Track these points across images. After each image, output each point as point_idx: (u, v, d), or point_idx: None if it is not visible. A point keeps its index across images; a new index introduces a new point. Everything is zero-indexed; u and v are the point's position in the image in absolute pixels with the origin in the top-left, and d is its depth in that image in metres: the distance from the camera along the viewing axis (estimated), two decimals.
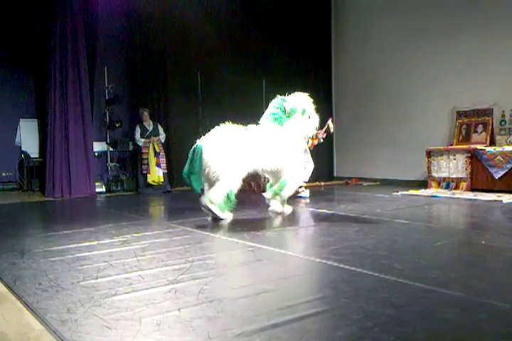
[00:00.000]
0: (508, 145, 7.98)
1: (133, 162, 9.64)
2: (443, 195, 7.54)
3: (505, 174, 7.52)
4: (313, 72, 11.08)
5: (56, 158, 8.44)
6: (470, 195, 7.38)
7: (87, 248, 4.12)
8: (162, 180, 9.05)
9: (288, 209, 5.90)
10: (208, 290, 2.85)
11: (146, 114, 9.23)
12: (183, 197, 8.67)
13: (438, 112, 9.30)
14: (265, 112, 5.84)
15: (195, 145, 5.32)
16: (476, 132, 8.67)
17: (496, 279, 3.07)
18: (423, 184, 8.79)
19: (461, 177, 8.13)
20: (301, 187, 7.51)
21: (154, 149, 9.06)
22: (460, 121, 8.96)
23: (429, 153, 8.65)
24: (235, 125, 5.54)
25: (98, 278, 3.18)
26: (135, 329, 2.28)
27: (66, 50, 8.43)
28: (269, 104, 5.87)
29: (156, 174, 8.98)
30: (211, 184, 5.33)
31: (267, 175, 5.94)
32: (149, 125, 9.25)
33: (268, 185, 6.03)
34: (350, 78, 11.05)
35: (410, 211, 6.11)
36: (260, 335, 2.17)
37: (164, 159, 9.24)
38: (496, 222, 5.66)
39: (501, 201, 6.70)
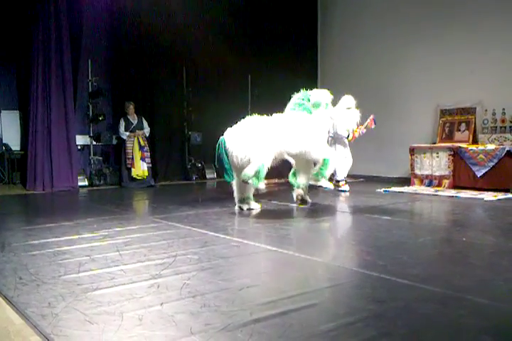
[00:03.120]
0: (490, 143, 8.07)
1: (116, 155, 9.55)
2: (425, 192, 7.61)
3: (487, 172, 7.61)
4: (299, 68, 11.07)
5: (38, 151, 8.32)
6: (452, 193, 7.46)
7: (68, 242, 4.08)
8: (147, 174, 9.00)
9: (329, 184, 6.14)
10: (190, 285, 2.84)
11: (131, 108, 9.15)
12: (166, 192, 8.63)
13: (422, 110, 9.36)
14: (289, 104, 6.06)
15: (219, 140, 5.51)
16: (459, 130, 8.75)
17: (476, 275, 3.11)
18: (406, 181, 8.85)
19: (444, 175, 8.20)
20: (339, 181, 7.98)
21: (139, 143, 8.99)
22: (443, 119, 9.04)
23: (413, 151, 8.71)
24: (260, 116, 5.77)
25: (79, 272, 3.15)
26: (117, 324, 2.26)
27: (49, 42, 8.29)
28: (293, 97, 6.10)
29: (141, 168, 8.92)
30: (239, 172, 5.54)
31: (291, 160, 6.11)
32: (134, 119, 9.17)
33: (290, 173, 6.27)
34: (336, 76, 11.07)
35: (393, 208, 6.15)
36: (243, 330, 2.17)
37: (148, 153, 9.18)
38: (477, 219, 5.73)
39: (483, 199, 6.79)
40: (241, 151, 5.41)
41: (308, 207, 6.18)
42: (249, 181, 5.38)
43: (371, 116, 7.82)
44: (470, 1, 8.68)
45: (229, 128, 5.66)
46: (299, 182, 6.19)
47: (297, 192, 6.30)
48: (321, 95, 6.05)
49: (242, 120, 5.73)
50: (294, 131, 5.63)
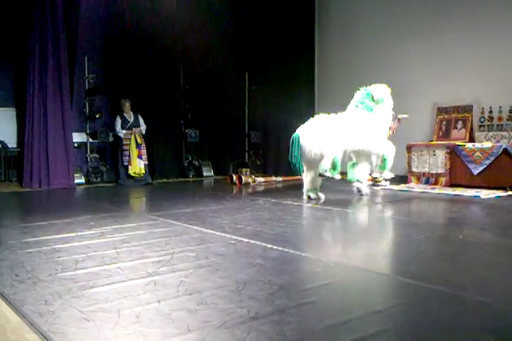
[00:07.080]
0: (486, 141, 8.08)
1: (113, 153, 9.53)
2: (422, 190, 7.61)
3: (483, 170, 7.62)
4: (296, 66, 11.06)
5: (34, 149, 8.30)
6: (449, 191, 7.47)
7: (65, 239, 4.07)
8: (143, 171, 8.99)
9: (389, 174, 6.84)
10: (187, 283, 2.83)
11: (127, 105, 9.14)
12: (163, 189, 8.62)
13: (419, 108, 9.34)
14: (352, 102, 6.76)
15: (293, 135, 6.09)
16: (456, 128, 8.76)
17: (474, 273, 3.11)
18: (403, 179, 8.86)
19: (441, 173, 8.22)
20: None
21: (136, 140, 8.97)
22: (440, 117, 9.05)
23: (410, 148, 8.72)
24: (329, 114, 6.43)
25: (76, 269, 3.14)
26: (114, 322, 2.25)
27: (46, 39, 8.26)
28: (355, 95, 6.81)
29: (138, 166, 8.91)
30: (310, 165, 6.24)
31: (352, 155, 6.74)
32: (130, 116, 9.15)
33: (349, 165, 6.85)
34: (333, 73, 11.05)
35: (391, 206, 6.16)
36: (240, 327, 2.17)
37: (145, 151, 9.17)
38: (473, 217, 5.74)
39: (479, 197, 6.80)
40: (315, 147, 6.03)
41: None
42: (326, 173, 6.09)
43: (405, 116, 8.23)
44: (468, 0, 8.67)
45: (302, 126, 6.20)
46: (357, 176, 6.80)
47: (356, 185, 6.90)
48: (382, 91, 6.69)
49: (313, 118, 6.34)
50: (357, 130, 6.33)
